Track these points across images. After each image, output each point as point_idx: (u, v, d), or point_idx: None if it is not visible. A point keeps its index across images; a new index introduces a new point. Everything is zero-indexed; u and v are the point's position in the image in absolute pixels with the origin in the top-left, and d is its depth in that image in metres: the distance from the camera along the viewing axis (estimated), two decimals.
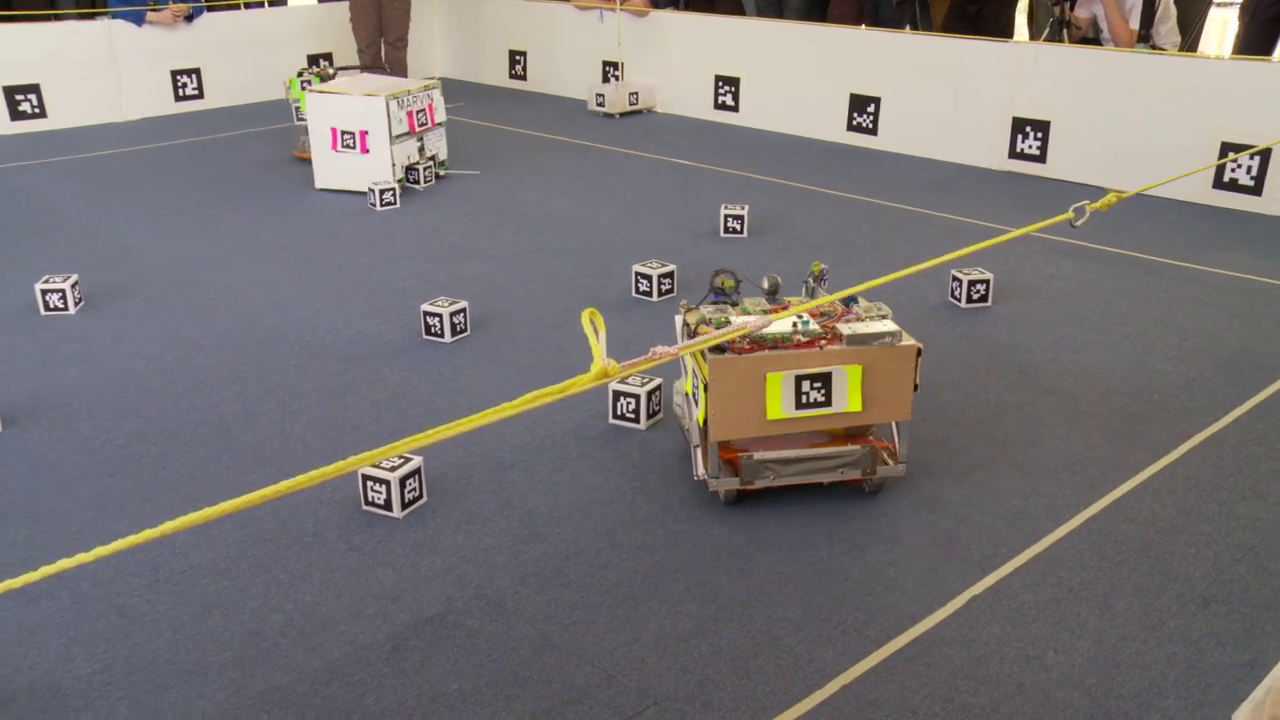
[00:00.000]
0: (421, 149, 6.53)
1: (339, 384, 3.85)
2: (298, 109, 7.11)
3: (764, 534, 2.90)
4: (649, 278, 4.65)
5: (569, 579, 2.73)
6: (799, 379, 2.91)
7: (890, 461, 3.10)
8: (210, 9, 9.22)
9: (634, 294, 4.70)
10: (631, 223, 5.84)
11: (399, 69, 8.98)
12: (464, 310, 4.25)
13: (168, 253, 5.34)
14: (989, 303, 4.57)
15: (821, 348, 2.93)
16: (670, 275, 4.68)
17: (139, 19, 8.80)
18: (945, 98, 7.23)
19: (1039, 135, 6.86)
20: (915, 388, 3.01)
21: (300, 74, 7.05)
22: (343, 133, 6.29)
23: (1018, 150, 6.98)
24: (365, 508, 3.03)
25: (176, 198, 6.40)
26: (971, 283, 4.55)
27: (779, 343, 2.93)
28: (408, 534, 2.92)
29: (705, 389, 2.91)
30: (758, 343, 2.91)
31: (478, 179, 6.72)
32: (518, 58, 10.24)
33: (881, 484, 3.14)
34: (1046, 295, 4.71)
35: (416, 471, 3.04)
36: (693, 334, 3.02)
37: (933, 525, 2.96)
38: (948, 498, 3.09)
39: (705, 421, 2.97)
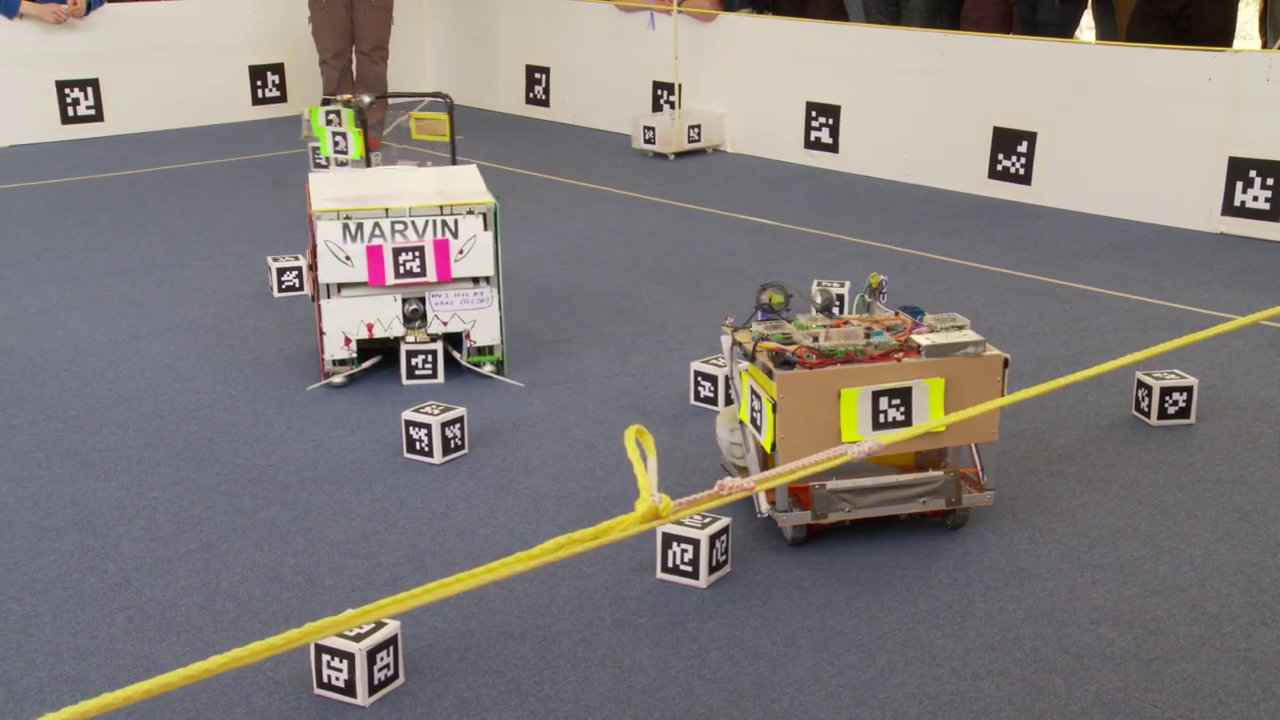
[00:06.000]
0: (416, 317, 4.85)
1: (286, 518, 3.92)
2: (317, 149, 7.11)
3: None
4: (713, 380, 4.71)
5: None
6: (875, 395, 3.51)
7: (975, 490, 3.72)
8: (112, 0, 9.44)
9: (692, 401, 4.76)
10: (690, 303, 5.93)
11: (376, 86, 9.23)
12: (460, 419, 4.32)
13: (48, 332, 5.50)
14: (1191, 419, 4.57)
15: (899, 360, 3.55)
16: None
17: (10, 9, 8.95)
18: (1131, 131, 7.33)
19: (1269, 182, 6.90)
20: None
21: (331, 103, 6.99)
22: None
23: (1236, 204, 7.03)
24: (318, 691, 3.06)
25: (63, 257, 6.61)
26: (1166, 391, 4.56)
27: (852, 355, 3.55)
28: None
29: (774, 409, 3.48)
30: (827, 356, 3.52)
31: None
32: (538, 76, 10.52)
33: (966, 517, 3.75)
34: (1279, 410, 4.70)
35: (391, 642, 3.07)
36: (751, 355, 3.62)
37: None
38: (1134, 696, 3.06)
39: (773, 447, 3.53)
